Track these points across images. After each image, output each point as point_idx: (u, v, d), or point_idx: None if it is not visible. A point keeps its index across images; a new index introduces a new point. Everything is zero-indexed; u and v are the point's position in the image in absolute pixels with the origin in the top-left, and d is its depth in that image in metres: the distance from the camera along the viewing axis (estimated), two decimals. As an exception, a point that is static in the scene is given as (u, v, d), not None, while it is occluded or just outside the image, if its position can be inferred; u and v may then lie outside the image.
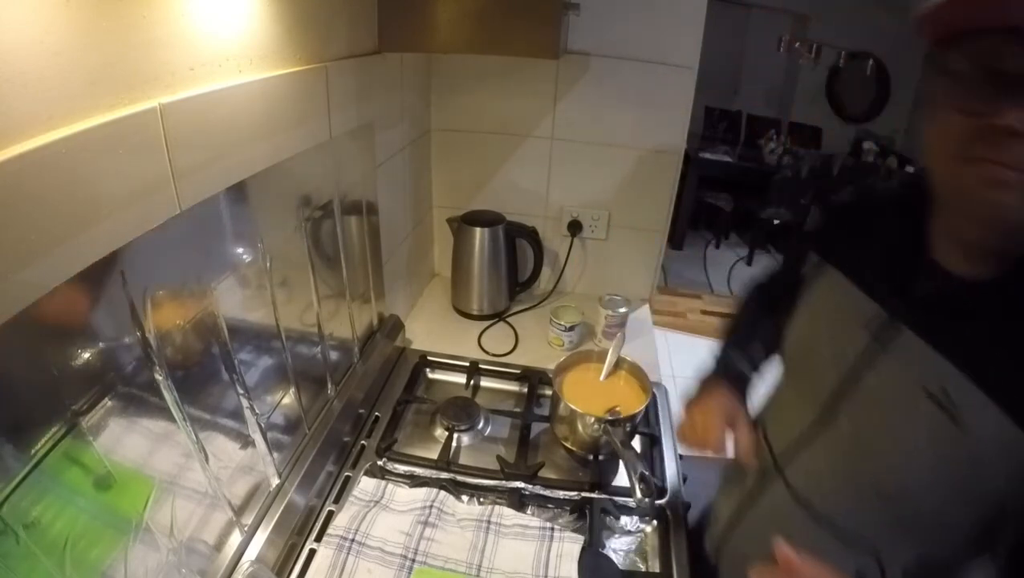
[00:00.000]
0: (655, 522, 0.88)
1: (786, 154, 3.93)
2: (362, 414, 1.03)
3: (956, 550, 0.60)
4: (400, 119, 1.15)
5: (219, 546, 0.69)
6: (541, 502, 0.90)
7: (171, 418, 0.57)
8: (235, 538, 0.71)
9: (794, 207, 3.98)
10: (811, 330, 0.70)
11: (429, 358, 1.19)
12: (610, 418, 0.91)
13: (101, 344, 0.49)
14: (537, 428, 1.04)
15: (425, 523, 0.83)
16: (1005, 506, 0.53)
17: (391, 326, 1.19)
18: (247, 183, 0.66)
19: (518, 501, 0.89)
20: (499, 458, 0.95)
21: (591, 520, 0.85)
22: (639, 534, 0.87)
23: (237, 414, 0.70)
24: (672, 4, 1.15)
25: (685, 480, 0.97)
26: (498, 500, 0.90)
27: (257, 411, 0.73)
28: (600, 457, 0.97)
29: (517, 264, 1.43)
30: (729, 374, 0.83)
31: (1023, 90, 0.44)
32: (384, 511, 0.85)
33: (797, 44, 4.51)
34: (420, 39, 0.97)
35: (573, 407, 0.93)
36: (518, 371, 1.17)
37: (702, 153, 4.15)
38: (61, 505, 0.46)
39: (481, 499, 0.90)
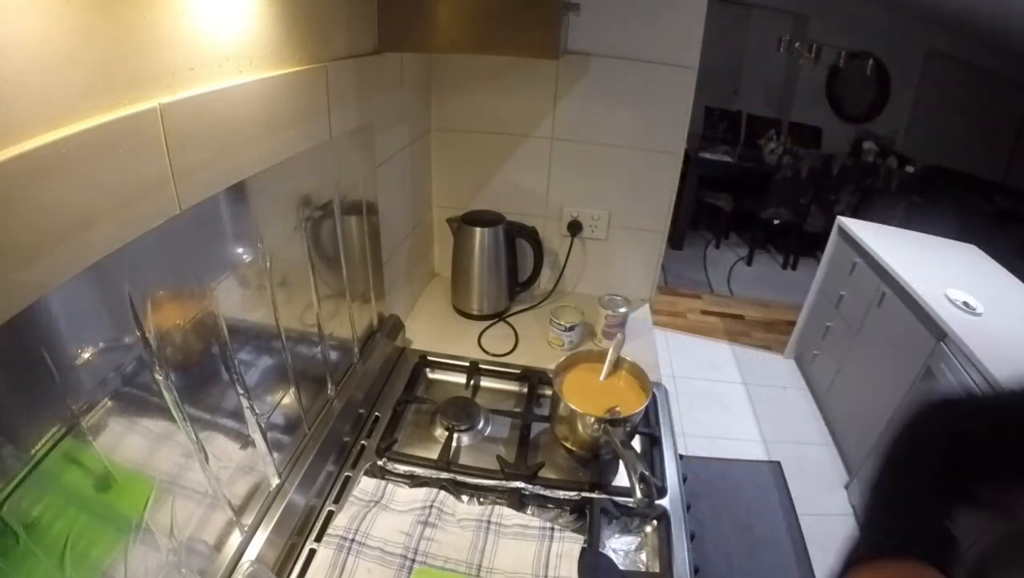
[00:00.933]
0: (655, 522, 0.88)
1: (786, 154, 3.92)
2: (362, 414, 1.03)
3: None
4: (400, 119, 1.15)
5: (219, 546, 0.69)
6: (541, 502, 0.90)
7: (171, 418, 0.57)
8: (235, 538, 0.71)
9: (794, 207, 3.98)
10: None
11: (429, 358, 1.19)
12: (610, 418, 0.91)
13: (101, 344, 0.49)
14: (537, 428, 1.04)
15: (425, 523, 0.83)
16: None
17: (391, 326, 1.19)
18: (247, 183, 0.66)
19: (518, 501, 0.89)
20: (499, 458, 0.95)
21: (591, 520, 0.85)
22: (639, 534, 0.87)
23: (237, 414, 0.70)
24: (672, 4, 1.15)
25: (685, 480, 0.97)
26: (498, 500, 0.90)
27: (257, 411, 0.73)
28: (600, 457, 0.97)
29: (517, 264, 1.43)
30: (919, 538, 0.53)
31: None
32: (384, 511, 0.85)
33: (797, 44, 4.51)
34: (420, 39, 0.97)
35: (573, 407, 0.93)
36: (518, 371, 1.17)
37: (702, 153, 4.14)
38: (61, 505, 0.46)
39: (481, 499, 0.90)
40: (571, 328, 1.27)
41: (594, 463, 0.97)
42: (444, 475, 0.92)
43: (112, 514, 0.52)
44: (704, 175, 4.13)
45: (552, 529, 0.83)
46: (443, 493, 0.88)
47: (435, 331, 1.34)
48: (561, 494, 0.90)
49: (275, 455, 0.79)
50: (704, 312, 3.61)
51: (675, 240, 4.35)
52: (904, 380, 2.00)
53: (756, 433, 2.58)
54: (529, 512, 0.88)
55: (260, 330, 0.75)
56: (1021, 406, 0.59)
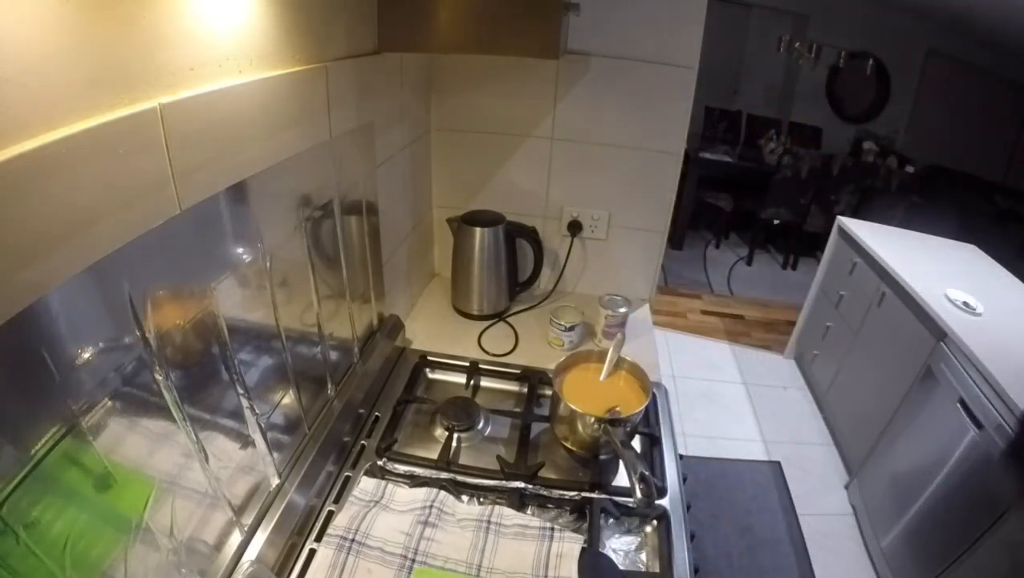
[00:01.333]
0: (655, 522, 0.88)
1: (786, 154, 3.92)
2: (362, 414, 1.03)
3: None
4: (400, 119, 1.15)
5: (219, 546, 0.69)
6: (541, 502, 0.90)
7: (171, 418, 0.57)
8: (235, 538, 0.71)
9: (794, 207, 3.98)
10: None
11: (429, 358, 1.19)
12: (610, 418, 0.91)
13: (101, 344, 0.48)
14: (537, 428, 1.04)
15: (425, 523, 0.83)
16: None
17: (391, 326, 1.19)
18: (247, 183, 0.66)
19: (518, 501, 0.89)
20: (499, 458, 0.95)
21: (591, 520, 0.85)
22: (639, 534, 0.87)
23: (237, 414, 0.70)
24: (672, 4, 1.15)
25: (685, 480, 0.97)
26: (498, 500, 0.90)
27: (257, 411, 0.73)
28: (600, 457, 0.97)
29: (517, 264, 1.43)
30: None
31: None
32: (384, 511, 0.85)
33: (797, 44, 4.52)
34: (420, 39, 0.97)
35: (573, 407, 0.93)
36: (518, 371, 1.17)
37: (702, 153, 4.14)
38: (61, 505, 0.46)
39: (481, 499, 0.90)
40: (571, 328, 1.27)
41: (594, 463, 0.97)
42: (444, 475, 0.92)
43: (112, 514, 0.52)
44: (704, 175, 4.13)
45: (552, 529, 0.83)
46: (443, 493, 0.88)
47: (435, 331, 1.34)
48: (561, 494, 0.90)
49: (275, 455, 0.79)
50: (704, 312, 3.61)
51: (675, 240, 4.35)
52: (904, 380, 2.00)
53: (756, 433, 2.58)
54: (529, 512, 0.88)
55: (260, 330, 0.75)
56: None
